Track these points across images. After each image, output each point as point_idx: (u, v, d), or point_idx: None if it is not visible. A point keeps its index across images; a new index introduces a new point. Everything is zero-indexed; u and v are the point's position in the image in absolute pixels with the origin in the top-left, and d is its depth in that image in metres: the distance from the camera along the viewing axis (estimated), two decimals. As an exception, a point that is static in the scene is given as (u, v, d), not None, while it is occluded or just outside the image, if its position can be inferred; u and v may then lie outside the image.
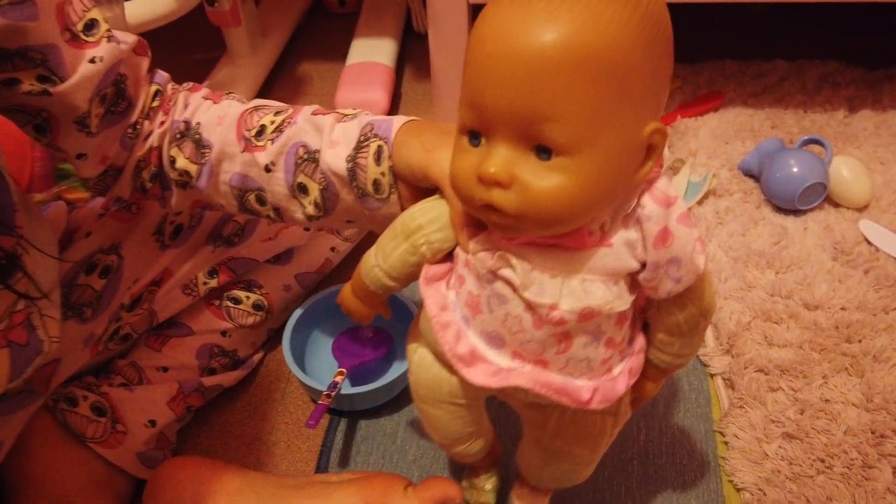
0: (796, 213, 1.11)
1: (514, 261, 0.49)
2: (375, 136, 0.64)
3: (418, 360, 0.61)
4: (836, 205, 1.12)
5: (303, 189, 0.67)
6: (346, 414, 0.87)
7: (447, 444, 0.67)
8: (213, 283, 0.85)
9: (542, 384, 0.52)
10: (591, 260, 0.48)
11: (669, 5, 0.47)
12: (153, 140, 0.70)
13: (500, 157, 0.44)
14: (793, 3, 1.25)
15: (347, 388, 0.83)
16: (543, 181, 0.43)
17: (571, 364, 0.52)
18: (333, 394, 0.79)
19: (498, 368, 0.53)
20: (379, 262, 0.59)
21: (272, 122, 0.68)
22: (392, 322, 0.94)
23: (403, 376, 0.84)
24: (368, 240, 1.04)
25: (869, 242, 1.05)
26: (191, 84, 0.74)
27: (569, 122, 0.42)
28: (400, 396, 0.89)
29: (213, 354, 0.86)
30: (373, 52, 1.39)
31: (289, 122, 0.67)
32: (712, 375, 0.91)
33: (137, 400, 0.79)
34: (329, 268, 0.97)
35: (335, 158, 0.64)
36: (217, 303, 0.87)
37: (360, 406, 0.86)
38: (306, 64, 1.52)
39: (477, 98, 0.44)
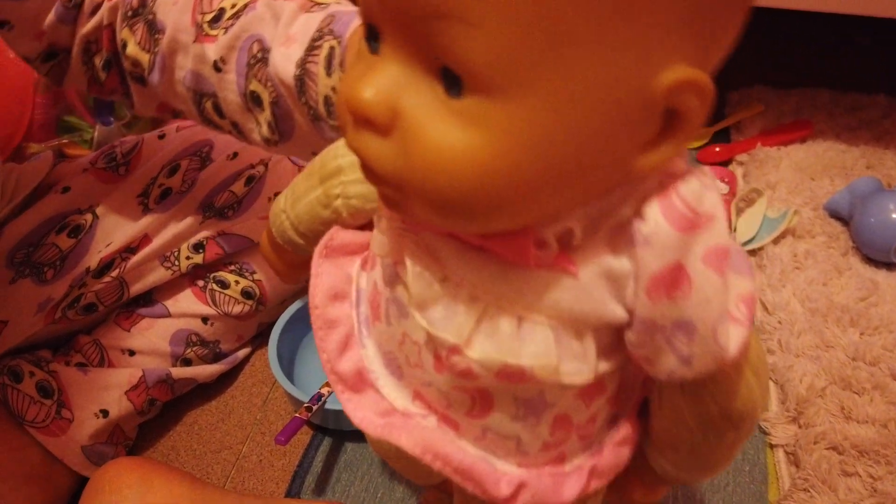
0: (890, 266, 0.94)
1: (408, 260, 0.30)
2: (330, 32, 0.48)
3: None
4: (939, 263, 0.95)
5: (257, 100, 0.53)
6: (331, 433, 0.75)
7: (420, 483, 0.49)
8: (198, 258, 0.74)
9: (437, 455, 0.32)
10: (540, 289, 0.28)
11: (757, 13, 0.28)
12: (103, 15, 0.57)
13: (384, 78, 0.25)
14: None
15: (335, 404, 0.70)
16: (444, 130, 0.24)
17: (491, 437, 0.33)
18: (315, 407, 0.67)
19: (390, 408, 0.35)
20: (286, 207, 0.43)
21: (232, 6, 0.54)
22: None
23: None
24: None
25: (977, 311, 0.88)
26: None
27: (494, 26, 0.22)
28: (397, 420, 0.76)
29: (191, 343, 0.75)
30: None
31: (250, 7, 0.53)
32: (773, 446, 0.76)
33: (90, 384, 0.68)
34: None
35: (285, 61, 0.50)
36: (201, 284, 0.76)
37: (348, 426, 0.73)
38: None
39: None
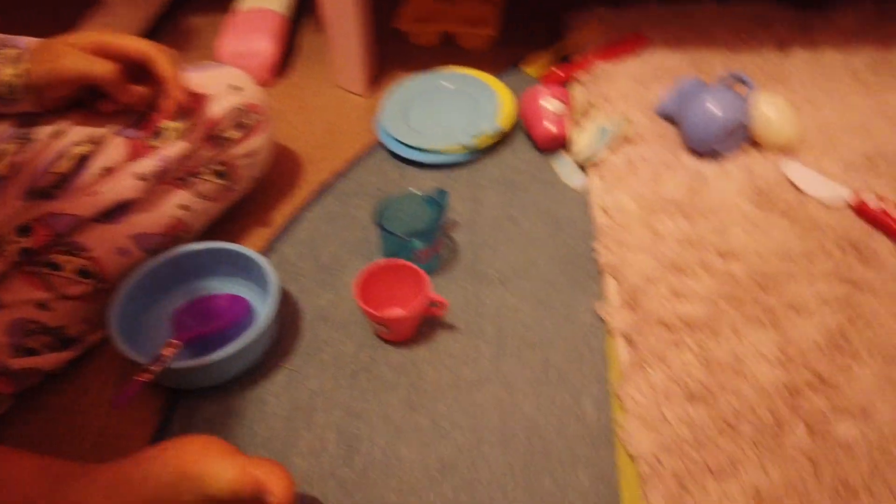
0: (716, 157, 1.00)
1: None
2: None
3: None
4: (761, 147, 1.02)
5: None
6: (187, 393, 0.75)
7: None
8: (27, 241, 0.73)
9: None
10: None
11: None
12: None
13: None
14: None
15: (181, 362, 0.71)
16: None
17: None
18: (155, 368, 0.67)
19: None
20: None
21: None
22: (250, 287, 0.83)
23: (250, 347, 0.72)
24: (242, 202, 0.92)
25: (794, 186, 0.95)
26: None
27: None
28: (251, 370, 0.77)
29: (30, 331, 0.74)
30: None
31: None
32: (611, 333, 0.81)
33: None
34: (182, 230, 0.85)
35: None
36: (32, 269, 0.74)
37: (201, 383, 0.74)
38: (196, 16, 1.39)
39: None
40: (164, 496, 0.58)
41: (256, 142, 0.89)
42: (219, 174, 0.87)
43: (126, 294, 0.76)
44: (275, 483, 0.57)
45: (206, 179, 0.86)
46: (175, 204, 0.83)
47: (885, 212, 0.88)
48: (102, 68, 0.73)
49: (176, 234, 0.84)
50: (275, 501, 0.57)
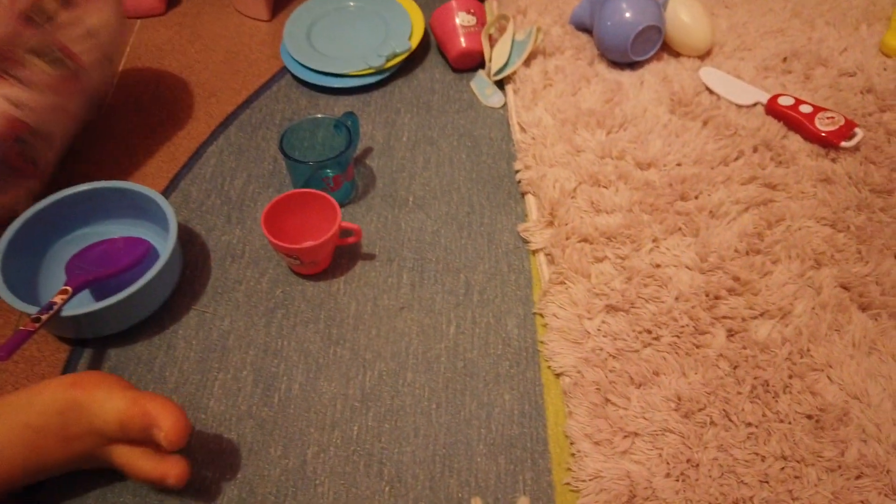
0: (633, 66, 0.98)
1: None
2: None
3: None
4: (677, 55, 1.00)
5: None
6: (92, 344, 0.71)
7: None
8: None
9: None
10: None
11: None
12: None
13: None
14: None
15: (77, 309, 0.66)
16: None
17: None
18: (45, 318, 0.62)
19: None
20: None
21: None
22: (152, 228, 0.78)
23: (150, 289, 0.68)
24: (139, 139, 0.85)
25: (710, 91, 0.94)
26: None
27: None
28: (160, 314, 0.73)
29: None
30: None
31: None
32: (534, 252, 0.79)
33: None
34: (23, 130, 0.73)
35: None
36: None
37: (104, 330, 0.70)
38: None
39: None
40: (50, 425, 0.55)
41: (92, 18, 0.77)
42: (53, 61, 0.75)
43: (9, 243, 0.70)
44: (165, 417, 0.54)
45: (34, 67, 0.73)
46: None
47: (796, 109, 0.88)
48: None
49: (16, 134, 0.73)
50: (163, 436, 0.54)
